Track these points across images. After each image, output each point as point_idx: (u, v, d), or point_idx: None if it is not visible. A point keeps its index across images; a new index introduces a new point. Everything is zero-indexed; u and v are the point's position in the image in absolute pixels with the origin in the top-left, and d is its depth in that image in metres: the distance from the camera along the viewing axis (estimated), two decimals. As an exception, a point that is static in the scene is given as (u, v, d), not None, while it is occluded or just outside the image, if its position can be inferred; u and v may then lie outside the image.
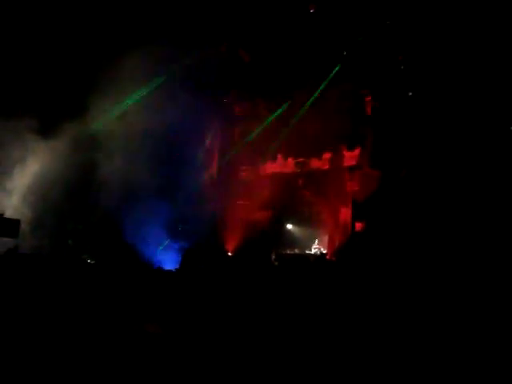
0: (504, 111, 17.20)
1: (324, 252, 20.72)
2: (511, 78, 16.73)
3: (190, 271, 17.36)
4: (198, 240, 19.76)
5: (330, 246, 20.63)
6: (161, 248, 19.38)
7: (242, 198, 21.61)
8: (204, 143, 22.35)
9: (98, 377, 6.66)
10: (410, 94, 19.52)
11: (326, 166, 21.34)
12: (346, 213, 20.24)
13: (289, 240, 22.16)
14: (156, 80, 18.81)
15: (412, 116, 18.81)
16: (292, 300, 11.40)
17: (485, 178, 16.73)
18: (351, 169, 20.56)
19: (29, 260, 13.00)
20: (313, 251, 21.30)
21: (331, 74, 21.86)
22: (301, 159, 21.91)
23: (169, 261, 18.86)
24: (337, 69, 21.35)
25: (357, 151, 20.62)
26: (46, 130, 18.30)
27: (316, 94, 22.26)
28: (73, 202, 18.82)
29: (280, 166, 22.40)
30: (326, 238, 21.19)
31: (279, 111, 21.78)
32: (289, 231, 22.69)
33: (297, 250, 21.77)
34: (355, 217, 19.68)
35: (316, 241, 21.60)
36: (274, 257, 20.67)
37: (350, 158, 20.80)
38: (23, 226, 17.20)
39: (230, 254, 21.21)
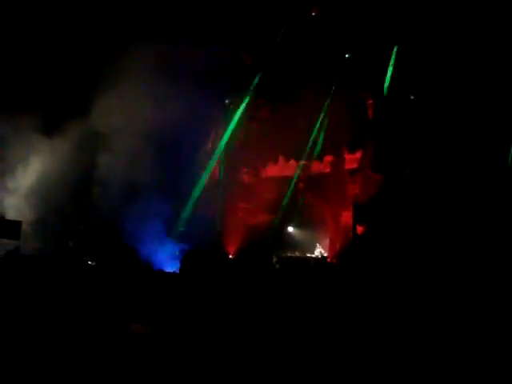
0: (505, 115, 17.22)
1: (325, 255, 20.70)
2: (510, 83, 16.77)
3: (191, 273, 17.35)
4: (198, 242, 19.74)
5: (331, 249, 20.63)
6: (162, 250, 19.36)
7: (243, 200, 21.61)
8: (205, 145, 22.35)
9: (97, 378, 6.69)
10: (412, 97, 19.56)
11: (328, 169, 21.37)
12: (347, 216, 20.24)
13: (290, 243, 22.11)
14: (158, 81, 18.79)
15: (413, 119, 18.84)
16: (293, 303, 11.38)
17: (486, 181, 16.74)
18: (352, 172, 20.58)
19: (29, 262, 12.97)
20: (316, 254, 21.27)
21: (333, 77, 21.92)
22: (302, 162, 21.93)
23: (169, 263, 18.84)
24: (339, 72, 21.41)
25: (358, 154, 20.65)
26: (48, 131, 18.33)
27: (318, 97, 22.33)
28: (75, 203, 18.83)
29: (281, 168, 22.41)
30: (327, 241, 21.18)
31: (280, 113, 21.78)
32: (290, 234, 22.63)
33: (298, 253, 21.74)
34: (356, 220, 19.66)
35: (318, 244, 21.57)
36: (275, 260, 20.64)
37: (352, 161, 20.83)
38: (25, 227, 17.20)
39: (230, 256, 21.19)
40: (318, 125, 22.12)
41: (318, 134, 21.77)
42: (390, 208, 18.29)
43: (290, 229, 22.65)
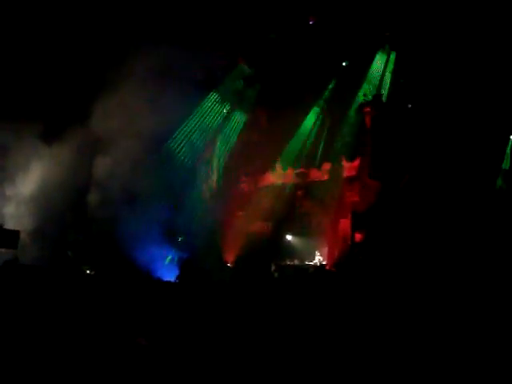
0: (500, 122, 17.31)
1: (324, 263, 20.67)
2: (508, 90, 16.87)
3: (189, 282, 17.34)
4: (197, 251, 19.74)
5: (329, 256, 20.58)
6: (162, 259, 19.35)
7: (241, 208, 21.62)
8: (204, 154, 22.38)
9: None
10: (410, 106, 19.64)
11: (326, 177, 21.36)
12: (345, 223, 20.22)
13: (288, 251, 22.07)
14: (157, 88, 18.82)
15: (411, 127, 18.89)
16: (292, 311, 11.38)
17: (482, 188, 16.81)
18: (351, 179, 20.56)
19: (27, 272, 12.95)
20: (315, 262, 21.22)
21: (330, 85, 22.03)
22: (300, 170, 21.96)
23: (168, 271, 18.83)
24: (335, 80, 21.54)
25: (356, 162, 20.65)
26: (47, 140, 18.38)
27: (316, 105, 22.43)
28: (73, 212, 18.82)
29: (279, 176, 22.44)
30: (325, 249, 21.14)
31: (278, 122, 21.84)
32: (288, 242, 22.61)
33: (296, 261, 21.70)
34: (355, 227, 19.66)
35: (317, 252, 21.54)
36: (273, 268, 20.62)
37: (350, 168, 20.82)
38: (24, 237, 17.20)
39: (229, 265, 21.17)
40: (316, 132, 22.25)
41: (316, 142, 21.87)
42: (388, 216, 18.30)
43: (289, 237, 22.63)
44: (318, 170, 21.65)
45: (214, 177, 22.34)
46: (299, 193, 21.89)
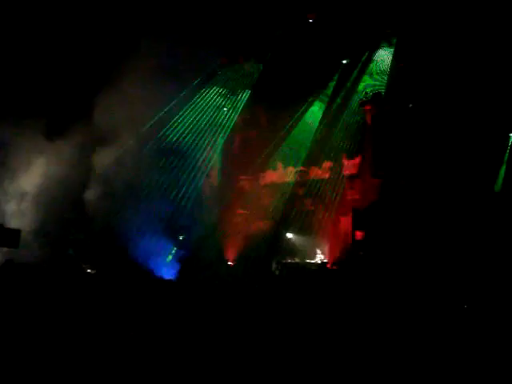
0: (500, 123, 17.31)
1: (325, 261, 20.66)
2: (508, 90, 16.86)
3: (190, 280, 17.35)
4: (198, 249, 19.75)
5: (330, 254, 20.57)
6: (163, 258, 19.36)
7: (242, 207, 21.61)
8: (205, 152, 22.36)
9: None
10: (411, 105, 19.60)
11: (327, 175, 21.34)
12: (346, 221, 20.21)
13: (289, 249, 22.07)
14: (157, 85, 18.80)
15: (412, 125, 18.86)
16: (293, 309, 11.39)
17: (484, 186, 16.79)
18: (351, 177, 20.55)
19: (28, 270, 12.95)
20: (317, 260, 21.22)
21: (331, 83, 22.00)
22: (301, 168, 21.95)
23: (169, 270, 18.85)
24: (336, 78, 21.50)
25: (357, 160, 20.63)
26: (49, 138, 18.38)
27: (316, 103, 22.40)
28: (75, 211, 18.82)
29: (280, 175, 22.42)
30: (326, 247, 21.13)
31: (280, 120, 21.84)
32: (289, 240, 22.60)
33: (298, 259, 21.70)
34: (356, 225, 19.64)
35: (318, 250, 21.53)
36: (274, 266, 20.62)
37: (351, 166, 20.80)
38: (25, 235, 17.17)
39: (230, 263, 21.17)
40: (317, 131, 22.21)
41: (316, 139, 21.82)
42: (390, 213, 18.28)
43: (290, 235, 22.62)
44: (318, 168, 21.63)
45: (215, 175, 22.33)
46: (300, 191, 21.88)
